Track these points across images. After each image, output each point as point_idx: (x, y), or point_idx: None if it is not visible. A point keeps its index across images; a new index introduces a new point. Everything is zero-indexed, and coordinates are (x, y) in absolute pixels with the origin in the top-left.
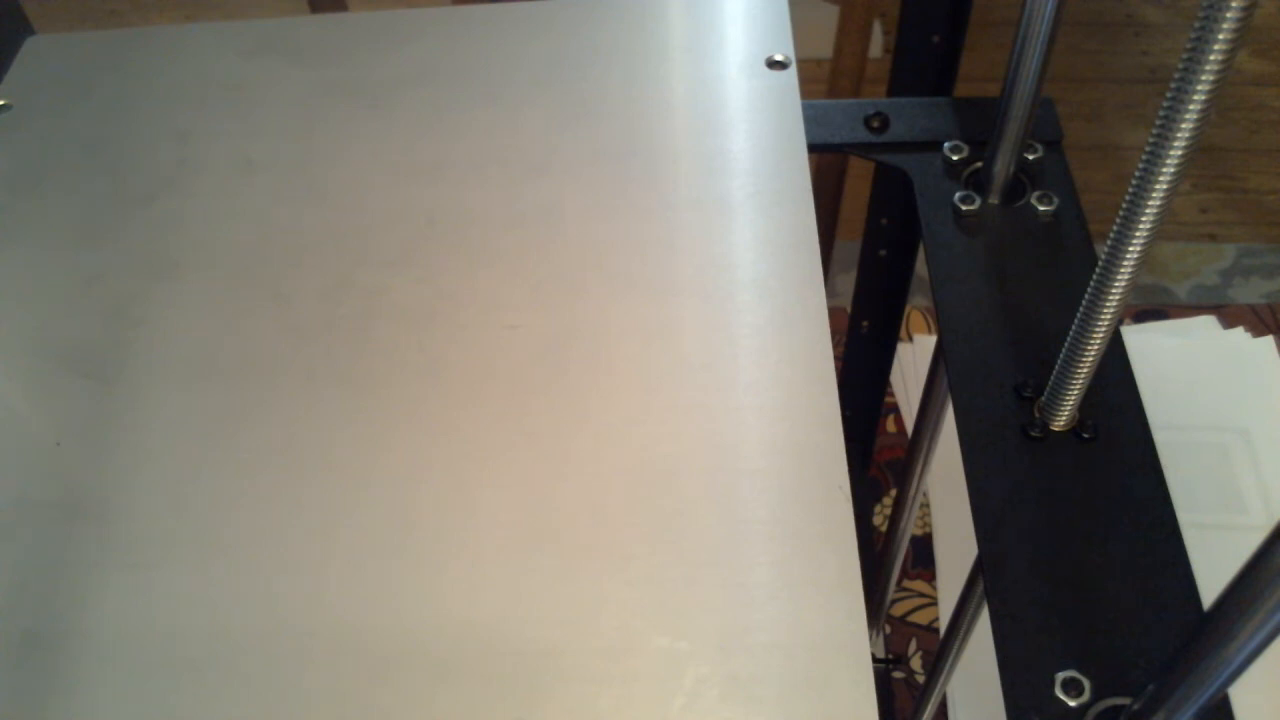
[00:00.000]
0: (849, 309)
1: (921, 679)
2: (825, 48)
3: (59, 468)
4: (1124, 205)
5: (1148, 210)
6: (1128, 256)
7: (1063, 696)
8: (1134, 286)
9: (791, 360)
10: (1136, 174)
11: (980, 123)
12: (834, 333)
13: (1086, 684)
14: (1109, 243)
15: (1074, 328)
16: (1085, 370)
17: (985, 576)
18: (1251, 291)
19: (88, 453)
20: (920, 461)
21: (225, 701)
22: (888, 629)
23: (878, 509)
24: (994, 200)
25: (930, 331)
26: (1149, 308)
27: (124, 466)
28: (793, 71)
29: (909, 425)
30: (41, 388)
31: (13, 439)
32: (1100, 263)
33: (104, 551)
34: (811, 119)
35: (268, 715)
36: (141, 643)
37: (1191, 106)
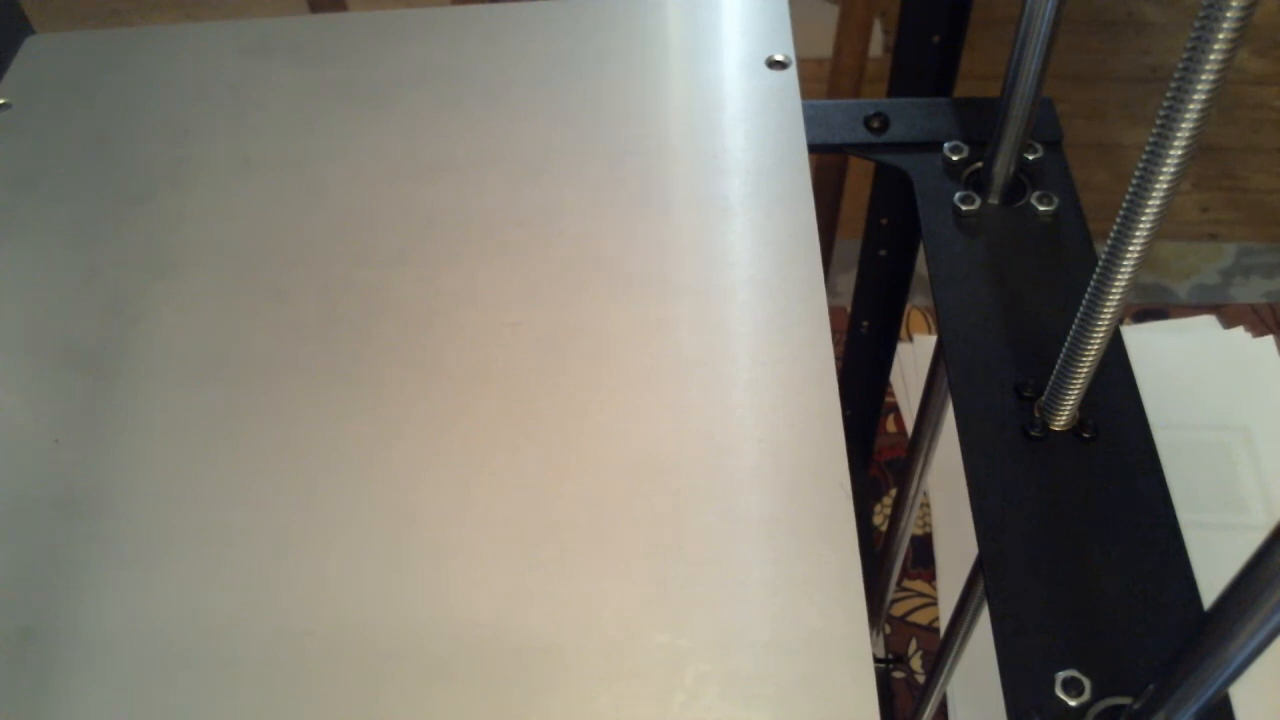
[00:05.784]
0: (849, 309)
1: (921, 679)
2: (825, 47)
3: (57, 465)
4: (1124, 204)
5: (1148, 209)
6: (1128, 256)
7: (1063, 696)
8: (1134, 286)
9: (792, 359)
10: (1137, 173)
11: (980, 123)
12: (834, 332)
13: (1087, 683)
14: (1109, 242)
15: (1074, 327)
16: (1085, 370)
17: (985, 576)
18: (1252, 290)
19: (85, 450)
20: (920, 461)
21: (224, 699)
22: (888, 629)
23: (878, 509)
24: (994, 200)
25: (930, 331)
26: (1149, 307)
27: (122, 463)
28: (793, 71)
29: (909, 425)
30: (40, 385)
31: (10, 436)
32: (1100, 262)
33: (101, 548)
34: (811, 119)
35: (266, 713)
36: (139, 640)
37: (1192, 105)
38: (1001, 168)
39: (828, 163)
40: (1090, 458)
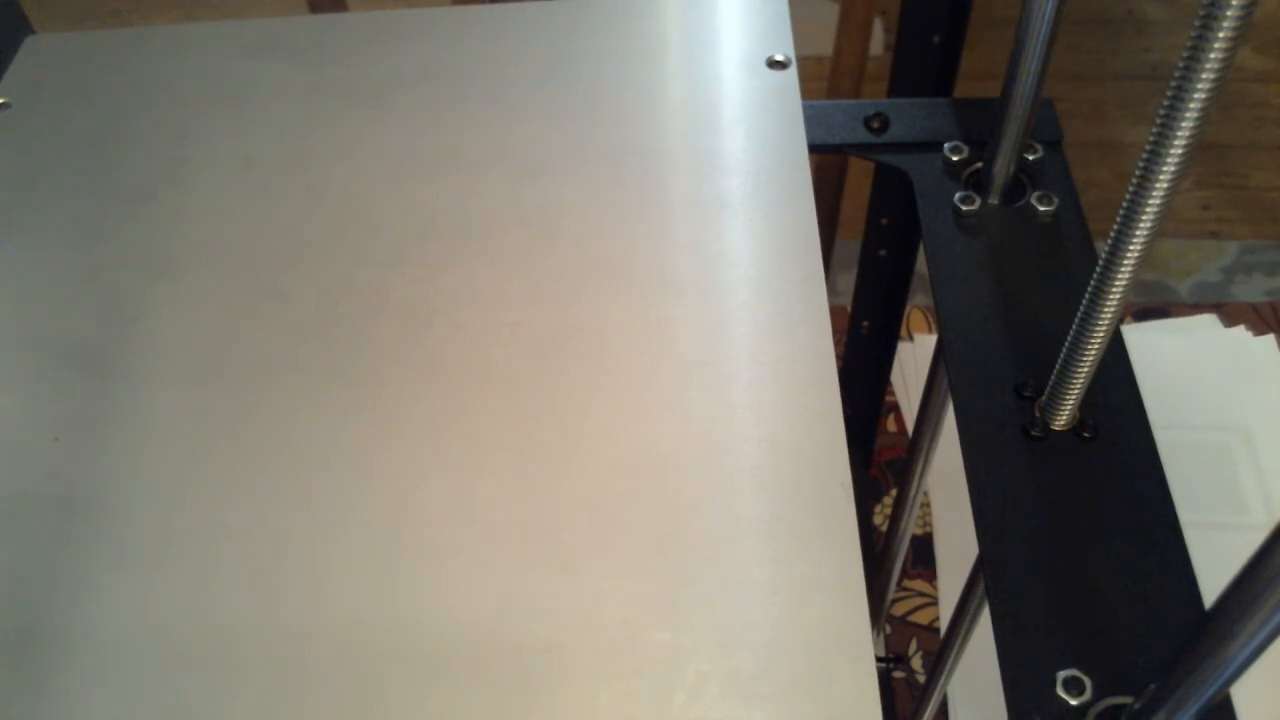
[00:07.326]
0: (849, 308)
1: (922, 679)
2: (825, 46)
3: (57, 464)
4: (1125, 203)
5: (1148, 208)
6: (1128, 255)
7: (1064, 695)
8: (1134, 285)
9: (792, 359)
10: (1137, 172)
11: (980, 123)
12: (834, 332)
13: (1088, 683)
14: (1109, 241)
15: (1074, 327)
16: (1086, 369)
17: (986, 576)
18: (1253, 289)
19: (85, 449)
20: (920, 461)
21: (223, 698)
22: (888, 629)
23: (878, 509)
24: (994, 200)
25: (930, 331)
26: (1150, 305)
27: (121, 463)
28: (793, 71)
29: (909, 424)
30: (40, 384)
31: (10, 435)
32: (1101, 261)
33: (101, 548)
34: (811, 119)
35: (266, 712)
36: (138, 640)
37: (1192, 104)
38: (1001, 168)
39: (828, 163)
40: (1091, 457)
